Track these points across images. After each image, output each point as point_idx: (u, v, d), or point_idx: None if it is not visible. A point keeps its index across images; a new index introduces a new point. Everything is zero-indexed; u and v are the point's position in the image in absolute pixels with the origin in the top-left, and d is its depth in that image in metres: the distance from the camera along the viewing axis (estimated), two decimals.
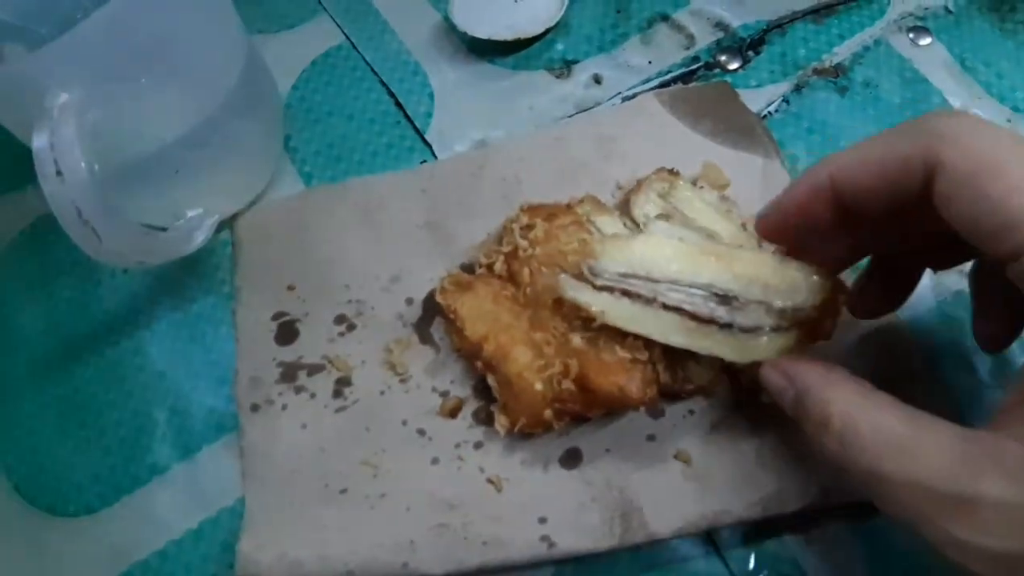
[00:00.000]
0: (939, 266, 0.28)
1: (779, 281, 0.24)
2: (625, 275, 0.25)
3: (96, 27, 0.24)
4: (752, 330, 0.24)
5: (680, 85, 0.37)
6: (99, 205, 0.25)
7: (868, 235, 0.25)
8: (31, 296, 0.34)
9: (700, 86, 0.36)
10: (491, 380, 0.27)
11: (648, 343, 0.25)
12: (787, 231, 0.24)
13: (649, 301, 0.24)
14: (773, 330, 0.24)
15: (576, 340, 0.26)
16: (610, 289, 0.25)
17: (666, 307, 0.24)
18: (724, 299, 0.24)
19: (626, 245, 0.25)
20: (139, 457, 0.30)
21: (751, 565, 0.27)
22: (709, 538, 0.28)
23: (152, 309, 0.33)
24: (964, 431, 0.19)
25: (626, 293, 0.25)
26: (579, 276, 0.25)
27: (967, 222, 0.19)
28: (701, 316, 0.24)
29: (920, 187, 0.20)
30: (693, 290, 0.24)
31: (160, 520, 0.29)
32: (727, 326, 0.24)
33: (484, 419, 0.29)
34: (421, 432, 0.29)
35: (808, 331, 0.25)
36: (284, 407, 0.29)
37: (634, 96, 0.36)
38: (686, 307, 0.24)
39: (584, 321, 0.25)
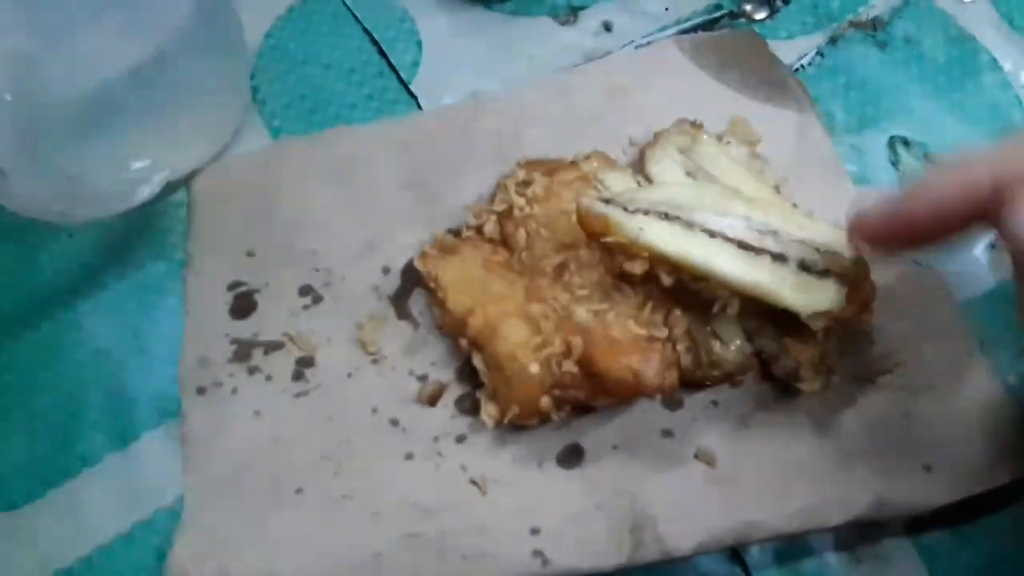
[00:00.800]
0: None
1: (813, 227, 0.22)
2: (658, 203, 0.22)
3: None
4: (810, 270, 0.21)
5: (703, 33, 0.33)
6: (9, 139, 0.21)
7: None
8: None
9: (726, 34, 0.33)
10: (477, 361, 0.24)
11: (667, 318, 0.21)
12: (905, 238, 0.21)
13: (689, 226, 0.22)
14: (834, 275, 0.21)
15: (581, 313, 0.22)
16: (645, 212, 0.22)
17: (710, 234, 0.21)
18: (767, 232, 0.21)
19: (644, 189, 0.22)
20: (69, 446, 0.28)
21: None
22: (736, 556, 0.25)
23: (95, 277, 0.30)
24: None
25: (665, 216, 0.22)
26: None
27: None
28: (750, 244, 0.21)
29: None
30: (733, 220, 0.22)
31: (88, 521, 0.27)
32: (781, 258, 0.21)
33: (469, 408, 0.25)
34: (394, 422, 0.25)
35: (851, 297, 0.22)
36: (234, 390, 0.26)
37: (650, 45, 0.33)
38: (730, 233, 0.21)
39: (604, 267, 0.23)
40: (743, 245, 0.21)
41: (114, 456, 0.27)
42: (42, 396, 0.28)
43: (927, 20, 0.34)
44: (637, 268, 0.22)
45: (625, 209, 0.22)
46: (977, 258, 0.29)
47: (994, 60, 0.33)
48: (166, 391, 0.27)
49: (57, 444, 0.27)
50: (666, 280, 0.22)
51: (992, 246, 0.29)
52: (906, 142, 0.31)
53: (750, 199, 0.23)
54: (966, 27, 0.34)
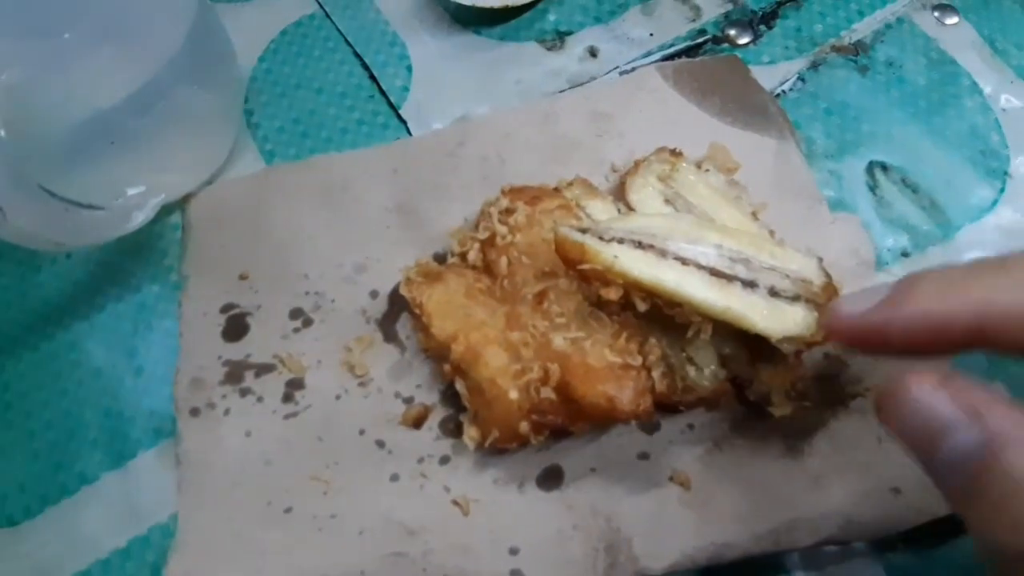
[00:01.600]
0: None
1: (783, 255, 0.22)
2: (633, 231, 0.22)
3: None
4: (780, 295, 0.21)
5: (685, 59, 0.34)
6: (3, 174, 0.22)
7: None
8: None
9: (707, 60, 0.33)
10: (460, 386, 0.24)
11: (642, 346, 0.22)
12: (880, 352, 0.19)
13: (663, 254, 0.22)
14: (804, 300, 0.21)
15: (559, 341, 0.22)
16: (620, 240, 0.22)
17: (683, 261, 0.22)
18: (739, 260, 0.22)
19: (621, 219, 0.22)
20: (68, 464, 0.28)
21: None
22: (708, 574, 0.24)
23: (93, 298, 0.30)
24: None
25: (639, 244, 0.22)
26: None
27: None
28: (721, 271, 0.21)
29: None
30: (705, 248, 0.22)
31: (86, 536, 0.27)
32: (751, 285, 0.21)
33: (452, 431, 0.25)
34: (380, 444, 0.25)
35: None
36: (227, 411, 0.26)
37: (633, 71, 0.33)
38: (702, 260, 0.22)
39: (582, 294, 0.23)
40: (715, 272, 0.22)
41: (111, 475, 0.27)
42: (41, 415, 0.28)
43: (909, 43, 0.34)
44: (612, 294, 0.22)
45: (601, 238, 0.22)
46: None
47: (975, 83, 0.33)
48: (161, 411, 0.28)
49: (56, 462, 0.27)
50: (641, 306, 0.22)
51: None
52: (885, 167, 0.31)
53: (723, 228, 0.23)
54: (948, 50, 0.34)
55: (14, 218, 0.22)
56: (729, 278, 0.22)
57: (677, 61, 0.33)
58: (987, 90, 0.33)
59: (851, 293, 0.20)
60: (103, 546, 0.26)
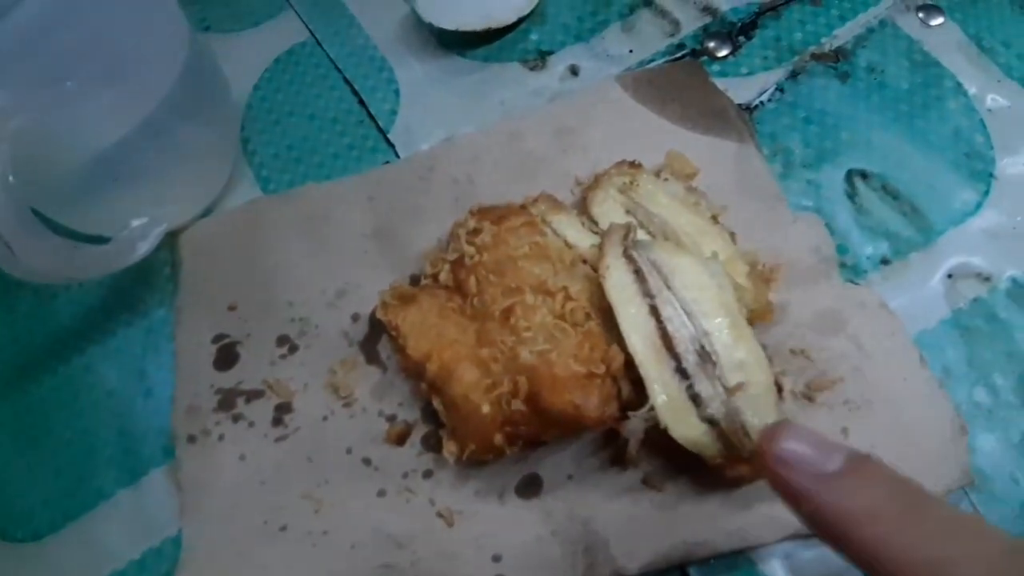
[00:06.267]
0: None
1: (745, 346, 0.23)
2: (654, 263, 0.23)
3: (16, 27, 0.23)
4: (700, 405, 0.22)
5: (644, 68, 0.34)
6: (12, 218, 0.23)
7: None
8: None
9: (666, 66, 0.33)
10: (436, 403, 0.25)
11: (605, 356, 0.23)
12: (790, 499, 0.18)
13: (647, 295, 0.23)
14: (709, 423, 0.22)
15: (525, 355, 0.23)
16: (632, 261, 0.23)
17: (653, 311, 0.23)
18: (704, 355, 0.22)
19: (676, 252, 0.24)
20: (86, 481, 0.29)
21: None
22: (684, 573, 0.25)
23: (105, 323, 0.32)
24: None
25: (638, 272, 0.23)
26: (625, 235, 0.24)
27: None
28: (673, 345, 0.22)
29: None
30: (688, 322, 0.23)
31: (104, 549, 0.28)
32: (682, 374, 0.22)
33: (434, 445, 0.27)
34: (367, 461, 0.27)
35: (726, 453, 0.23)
36: (221, 437, 0.28)
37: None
38: (668, 325, 0.23)
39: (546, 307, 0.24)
40: (665, 336, 0.23)
41: (125, 491, 0.28)
42: (61, 435, 0.30)
43: (892, 47, 0.34)
44: None
45: (625, 251, 0.24)
46: (933, 288, 0.29)
47: (959, 84, 0.33)
48: (169, 430, 0.29)
49: (75, 479, 0.29)
50: None
51: (949, 275, 0.29)
52: (864, 174, 0.31)
53: (739, 323, 0.23)
54: (932, 52, 0.34)
55: (25, 257, 0.23)
56: (672, 353, 0.23)
57: (636, 71, 0.33)
58: (972, 91, 0.33)
59: (800, 429, 0.18)
60: (120, 558, 0.27)
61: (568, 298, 0.24)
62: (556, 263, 0.25)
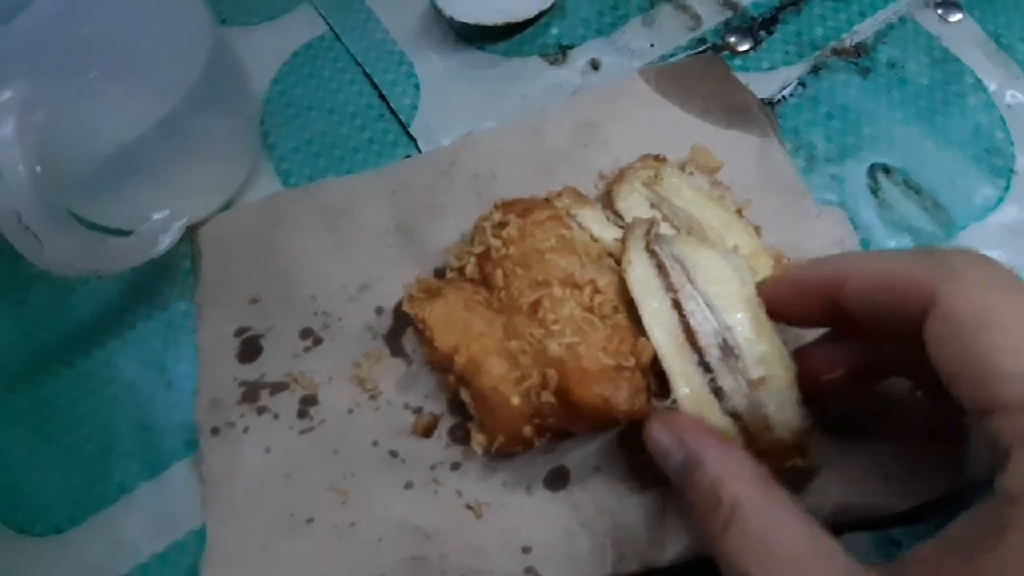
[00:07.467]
0: (922, 388, 0.24)
1: (768, 341, 0.23)
2: (676, 258, 0.24)
3: (38, 17, 0.23)
4: (722, 400, 0.22)
5: (667, 62, 0.34)
6: (40, 209, 0.23)
7: (855, 347, 0.23)
8: (3, 305, 0.33)
9: (688, 60, 0.33)
10: (464, 395, 0.25)
11: (634, 349, 0.23)
12: (782, 309, 0.23)
13: (670, 289, 0.23)
14: (732, 416, 0.22)
15: (554, 347, 0.23)
16: (654, 255, 0.24)
17: (676, 305, 0.23)
18: (726, 349, 0.22)
19: (698, 246, 0.24)
20: (107, 475, 0.29)
21: None
22: (712, 564, 0.25)
23: (124, 316, 0.32)
24: (859, 568, 0.18)
25: (660, 267, 0.23)
26: (647, 229, 0.24)
27: (947, 365, 0.18)
28: (695, 339, 0.22)
29: (918, 314, 0.19)
30: (711, 316, 0.23)
31: (127, 543, 0.28)
32: (705, 367, 0.22)
33: (461, 437, 0.26)
34: (393, 454, 0.27)
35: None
36: (246, 430, 0.27)
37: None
38: (691, 320, 0.23)
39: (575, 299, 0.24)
40: (688, 330, 0.23)
41: (147, 484, 0.28)
42: (80, 429, 0.29)
43: (912, 43, 0.34)
44: None
45: (647, 245, 0.24)
46: None
47: (978, 81, 0.33)
48: (191, 423, 0.28)
49: (96, 473, 0.29)
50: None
51: None
52: (887, 169, 0.32)
53: (762, 318, 0.23)
54: (951, 48, 0.34)
55: (51, 249, 0.23)
56: (695, 348, 0.23)
57: (659, 65, 0.33)
58: (992, 87, 0.33)
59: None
60: (143, 551, 0.27)
61: (596, 291, 0.24)
62: (583, 256, 0.25)
